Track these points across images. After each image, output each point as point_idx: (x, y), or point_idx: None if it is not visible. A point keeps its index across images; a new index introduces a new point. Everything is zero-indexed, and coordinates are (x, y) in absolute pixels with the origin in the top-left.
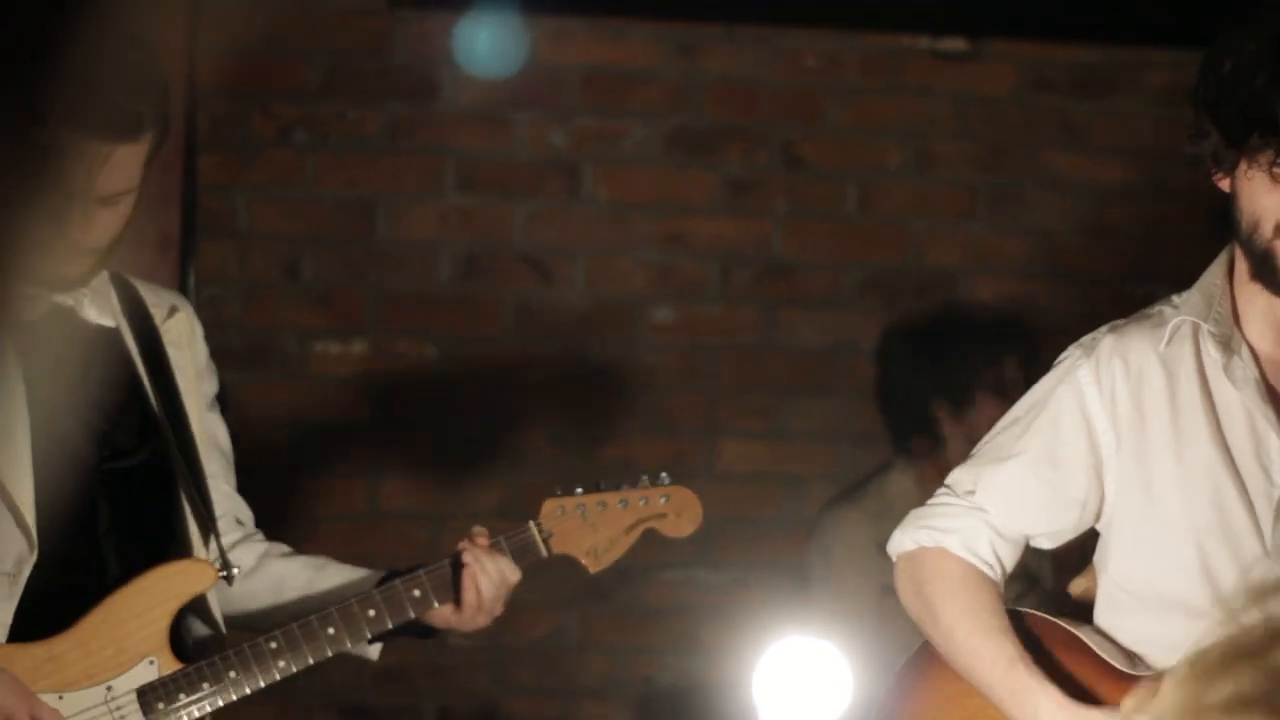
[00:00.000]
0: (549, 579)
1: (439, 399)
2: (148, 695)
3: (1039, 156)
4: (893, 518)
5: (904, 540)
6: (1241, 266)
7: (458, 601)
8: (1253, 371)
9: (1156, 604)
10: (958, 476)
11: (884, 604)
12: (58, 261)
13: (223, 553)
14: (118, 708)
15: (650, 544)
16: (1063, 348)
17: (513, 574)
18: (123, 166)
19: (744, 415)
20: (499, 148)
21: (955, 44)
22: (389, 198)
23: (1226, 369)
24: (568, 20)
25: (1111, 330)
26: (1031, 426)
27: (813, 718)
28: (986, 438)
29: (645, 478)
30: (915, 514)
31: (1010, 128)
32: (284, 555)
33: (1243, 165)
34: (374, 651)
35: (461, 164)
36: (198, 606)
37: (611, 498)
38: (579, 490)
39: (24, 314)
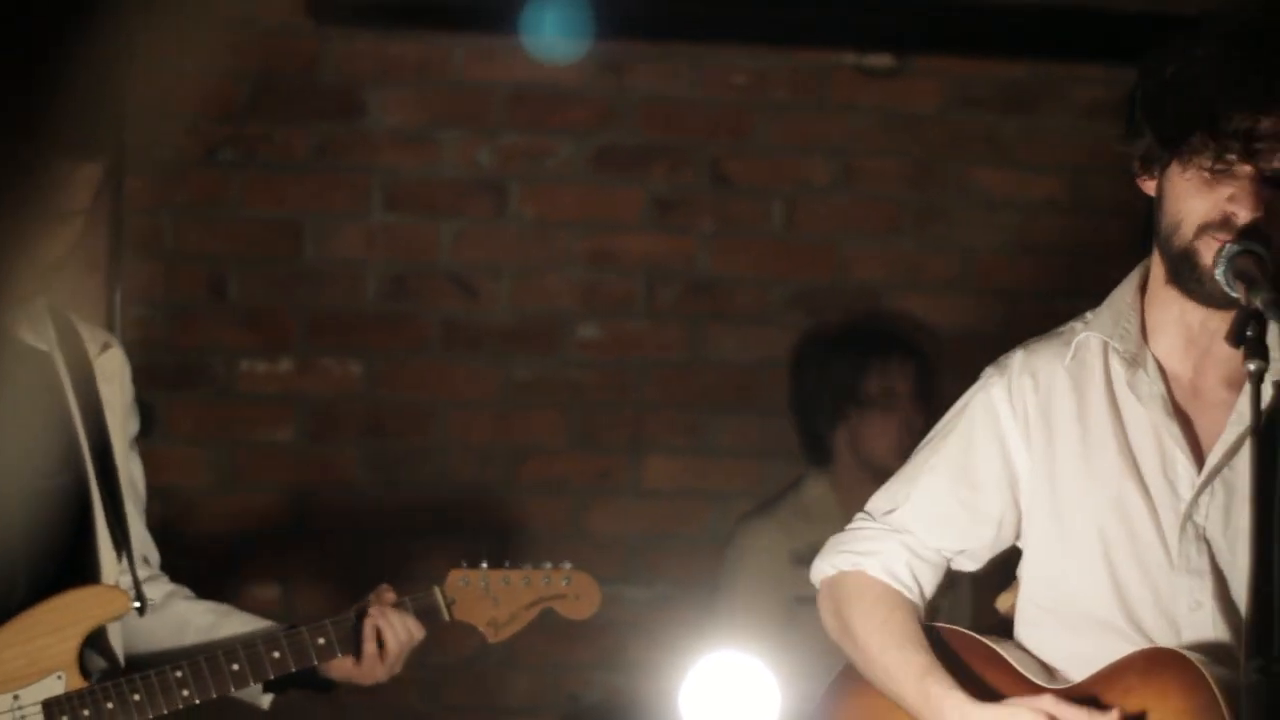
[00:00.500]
0: None
1: (366, 417)
2: (53, 708)
3: (965, 172)
4: (807, 527)
5: (824, 566)
6: (1156, 275)
7: (358, 654)
8: (1159, 388)
9: (1070, 618)
10: (876, 500)
11: (795, 614)
12: (11, 276)
13: (137, 585)
14: (23, 717)
15: (578, 560)
16: (986, 362)
17: (417, 631)
18: (83, 185)
19: (670, 432)
20: (426, 166)
21: (882, 60)
22: (316, 217)
23: (1132, 384)
24: (495, 39)
25: (1023, 348)
26: (946, 446)
27: None
28: (910, 459)
29: (549, 562)
30: (835, 540)
31: (937, 144)
32: (188, 598)
33: (1175, 166)
34: (266, 701)
35: (388, 183)
36: (99, 639)
37: (515, 575)
38: (484, 565)
39: None
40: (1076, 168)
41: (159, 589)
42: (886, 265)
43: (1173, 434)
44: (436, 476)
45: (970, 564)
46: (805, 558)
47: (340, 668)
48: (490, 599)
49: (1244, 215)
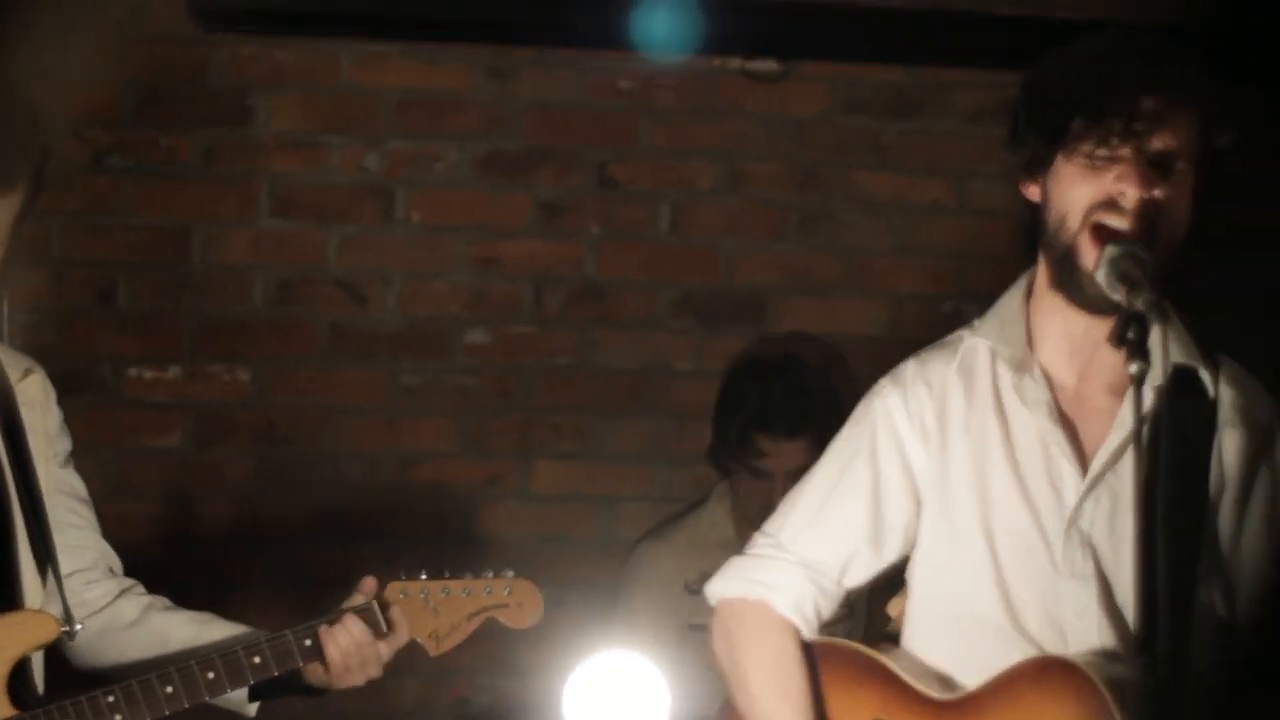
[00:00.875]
0: None
1: (254, 423)
2: None
3: (850, 176)
4: (702, 557)
5: (725, 587)
6: (1042, 282)
7: (324, 663)
8: (1044, 394)
9: (959, 624)
10: (782, 528)
11: (686, 640)
12: None
13: (66, 609)
14: None
15: (463, 563)
16: (874, 371)
17: (364, 639)
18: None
19: (558, 437)
20: (313, 172)
21: (766, 65)
22: (204, 223)
23: (1019, 390)
24: (382, 45)
25: (915, 359)
26: (851, 464)
27: None
28: (803, 484)
29: (490, 571)
30: (739, 563)
31: (821, 148)
32: (167, 609)
33: (1060, 160)
34: (252, 709)
35: (276, 189)
36: (24, 666)
37: (455, 585)
38: (423, 575)
39: None
40: (961, 172)
41: (135, 603)
42: (773, 269)
43: (1057, 440)
44: (325, 482)
45: (867, 578)
46: (697, 589)
47: (315, 673)
48: (430, 610)
49: (1132, 194)
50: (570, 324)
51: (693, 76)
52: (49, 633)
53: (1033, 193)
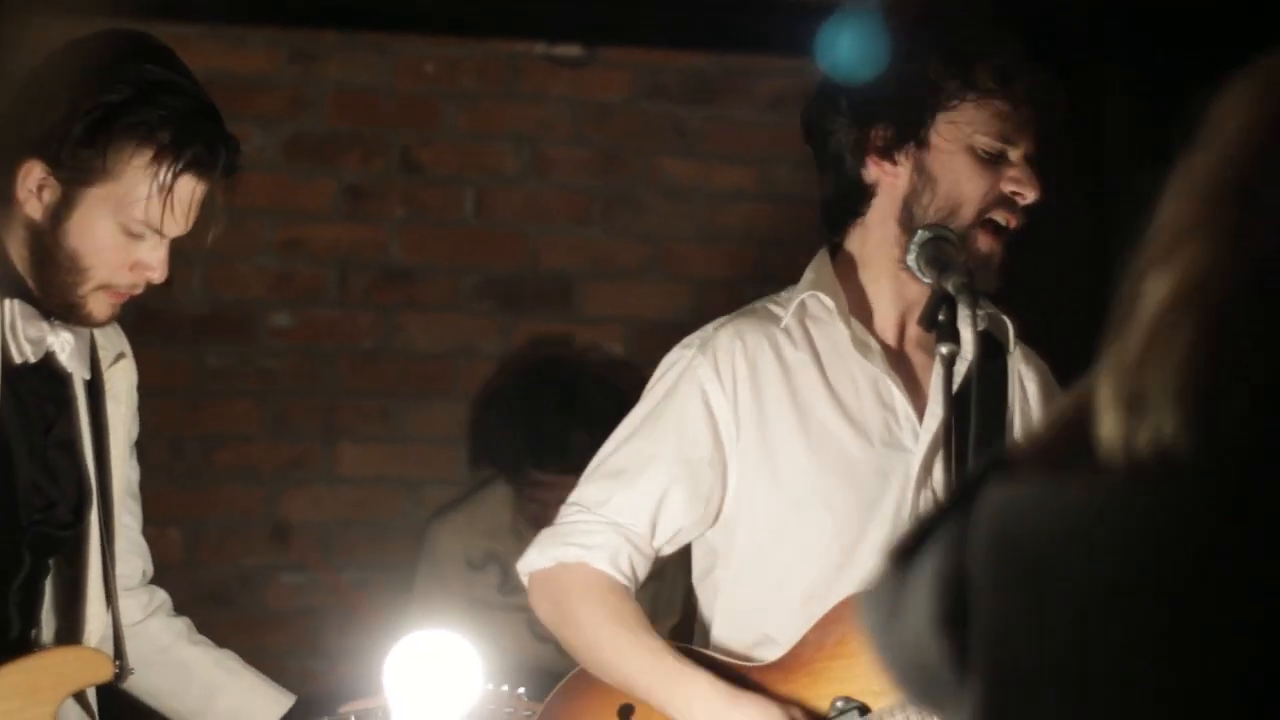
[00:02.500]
0: (169, 581)
1: None
2: None
3: (653, 162)
4: (481, 535)
5: (539, 559)
6: (876, 255)
7: None
8: (876, 345)
9: (792, 587)
10: (588, 492)
11: (472, 617)
12: None
13: (119, 645)
14: None
15: (269, 546)
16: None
17: None
18: None
19: (363, 419)
20: None
21: (570, 50)
22: None
23: (855, 343)
24: (185, 27)
25: (723, 325)
26: (657, 431)
27: (444, 711)
28: (608, 449)
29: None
30: (552, 533)
31: (625, 134)
32: (195, 642)
33: (936, 142)
34: None
35: None
36: (76, 701)
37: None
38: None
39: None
40: (761, 157)
41: (165, 626)
42: (576, 253)
43: (896, 386)
44: None
45: (678, 542)
46: (478, 564)
47: None
48: None
49: (1030, 195)
50: (374, 307)
51: (497, 61)
52: (103, 675)
53: (886, 170)
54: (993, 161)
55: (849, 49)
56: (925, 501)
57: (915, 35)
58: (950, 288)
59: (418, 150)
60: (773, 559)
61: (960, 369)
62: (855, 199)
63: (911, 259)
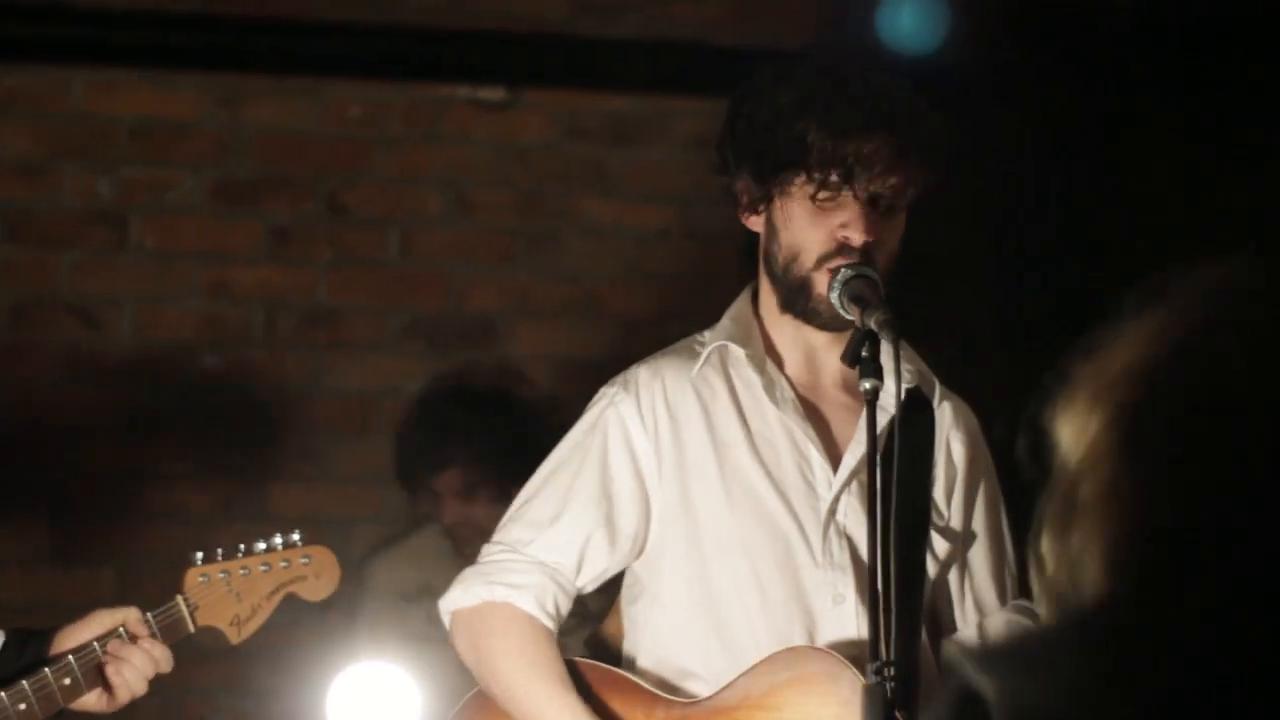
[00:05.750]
0: None
1: None
2: None
3: (575, 203)
4: (416, 570)
5: (464, 597)
6: (769, 303)
7: (107, 685)
8: (789, 392)
9: (714, 621)
10: (514, 532)
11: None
12: None
13: None
14: None
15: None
16: (600, 387)
17: (165, 661)
18: None
19: (293, 459)
20: (45, 198)
21: (494, 93)
22: None
23: (766, 390)
24: (114, 71)
25: (645, 364)
26: (582, 470)
27: None
28: (532, 487)
29: (280, 538)
30: (476, 571)
31: (547, 175)
32: None
33: (778, 201)
34: None
35: (6, 214)
36: None
37: (254, 563)
38: (220, 554)
39: None
40: (681, 197)
41: None
42: (500, 293)
43: (809, 435)
44: (56, 505)
45: (600, 580)
46: (411, 597)
47: (84, 702)
48: (233, 594)
49: (857, 239)
50: (301, 349)
51: (422, 103)
52: None
53: (754, 224)
54: (826, 210)
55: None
56: (835, 546)
57: (772, 99)
58: (873, 324)
59: (343, 193)
60: (691, 597)
61: (883, 419)
62: (748, 244)
63: (835, 296)
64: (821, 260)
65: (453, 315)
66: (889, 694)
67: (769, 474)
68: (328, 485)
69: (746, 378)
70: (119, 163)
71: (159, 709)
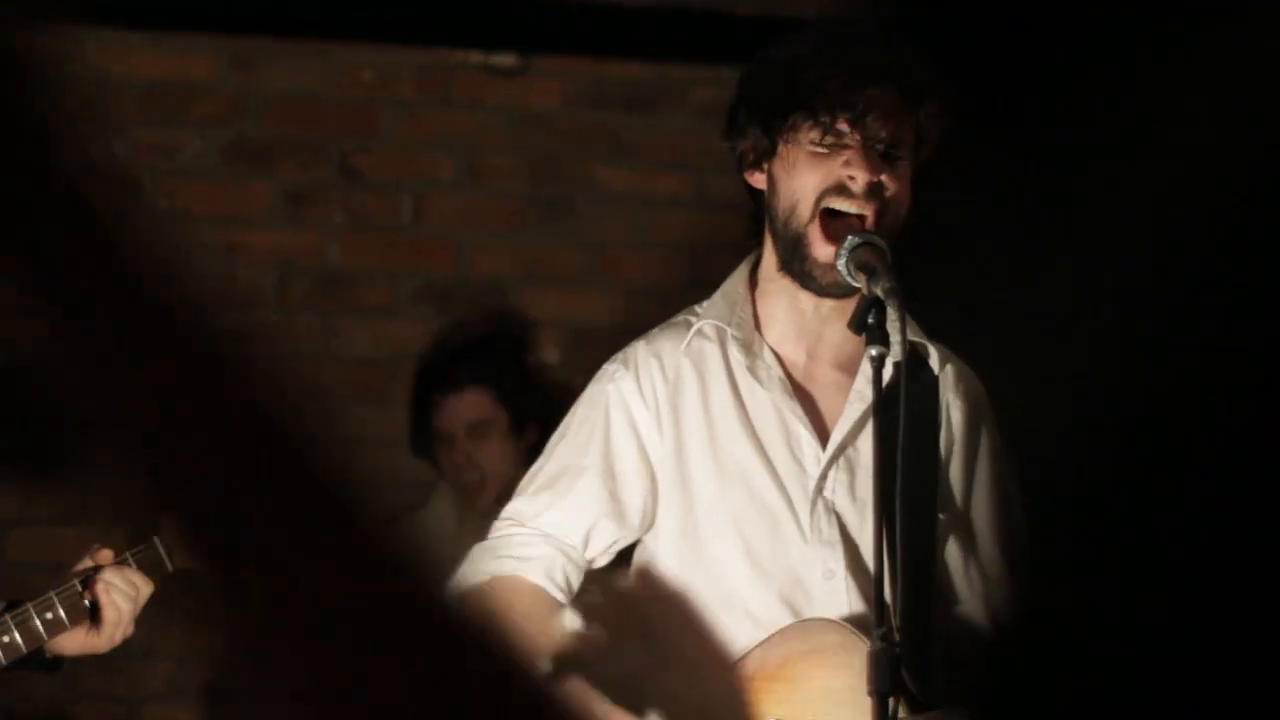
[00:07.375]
0: None
1: None
2: None
3: (590, 170)
4: (431, 534)
5: (474, 573)
6: (768, 266)
7: (95, 620)
8: (777, 371)
9: (717, 600)
10: (520, 506)
11: None
12: None
13: None
14: None
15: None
16: (612, 355)
17: (145, 586)
18: None
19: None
20: None
21: (506, 59)
22: None
23: (752, 369)
24: (127, 33)
25: (644, 340)
26: (587, 444)
27: None
28: (540, 462)
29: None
30: (485, 548)
31: (560, 142)
32: None
33: (782, 150)
34: None
35: None
36: None
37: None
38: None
39: None
40: (695, 165)
41: None
42: (513, 260)
43: (796, 414)
44: (68, 465)
45: (609, 554)
46: None
47: (73, 640)
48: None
49: (861, 177)
50: (313, 312)
51: (434, 68)
52: None
53: (758, 181)
54: (828, 154)
55: None
56: (823, 523)
57: (787, 51)
58: (879, 291)
59: (356, 156)
60: (691, 568)
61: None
62: (756, 210)
63: (842, 264)
64: (819, 199)
65: (464, 280)
66: (894, 657)
67: (760, 450)
68: (340, 449)
69: (737, 355)
70: (131, 124)
71: (172, 671)
